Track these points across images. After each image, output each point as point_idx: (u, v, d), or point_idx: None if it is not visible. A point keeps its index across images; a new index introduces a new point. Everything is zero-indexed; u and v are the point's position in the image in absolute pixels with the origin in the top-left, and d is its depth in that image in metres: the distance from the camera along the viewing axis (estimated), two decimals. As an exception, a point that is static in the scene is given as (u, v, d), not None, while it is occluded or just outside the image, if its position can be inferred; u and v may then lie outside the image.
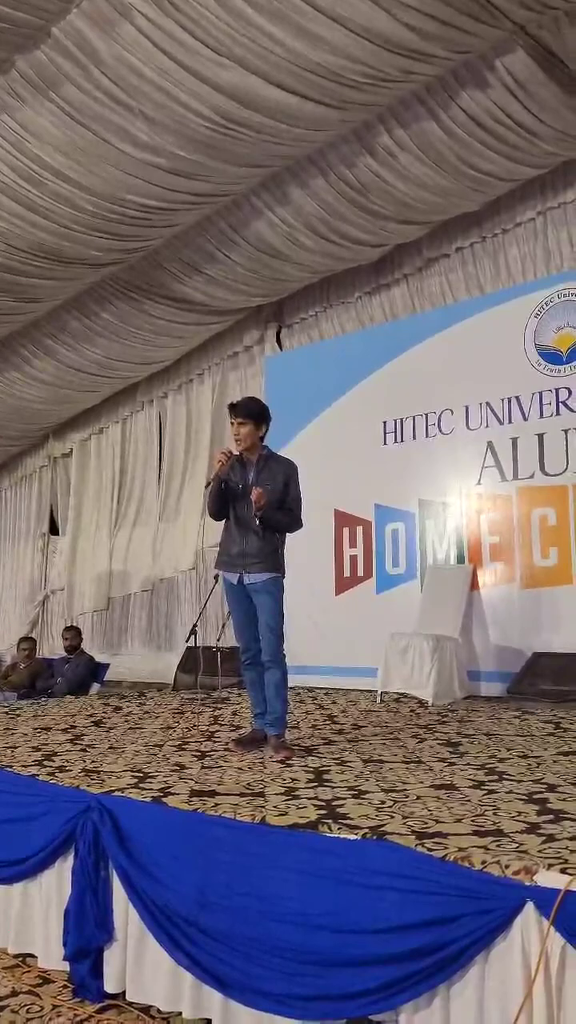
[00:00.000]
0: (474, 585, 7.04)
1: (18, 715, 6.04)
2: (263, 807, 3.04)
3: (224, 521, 4.54)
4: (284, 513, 4.41)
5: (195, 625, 7.44)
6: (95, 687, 8.07)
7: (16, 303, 8.69)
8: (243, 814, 2.96)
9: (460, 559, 7.33)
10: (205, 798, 3.20)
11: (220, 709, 6.31)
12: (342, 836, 2.70)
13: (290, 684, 7.80)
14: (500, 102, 6.54)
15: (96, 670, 8.24)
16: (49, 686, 8.01)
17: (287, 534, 4.55)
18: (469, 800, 3.14)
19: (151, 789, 3.37)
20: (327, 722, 5.48)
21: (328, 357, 8.73)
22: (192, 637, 7.54)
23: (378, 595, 7.78)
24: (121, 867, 3.15)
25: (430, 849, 2.51)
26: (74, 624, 9.51)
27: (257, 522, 4.31)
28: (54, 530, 12.25)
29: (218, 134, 6.49)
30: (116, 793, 3.33)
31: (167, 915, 2.99)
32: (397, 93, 6.50)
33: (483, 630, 6.99)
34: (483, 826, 2.75)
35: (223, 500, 4.45)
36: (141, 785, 3.46)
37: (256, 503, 4.24)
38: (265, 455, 4.51)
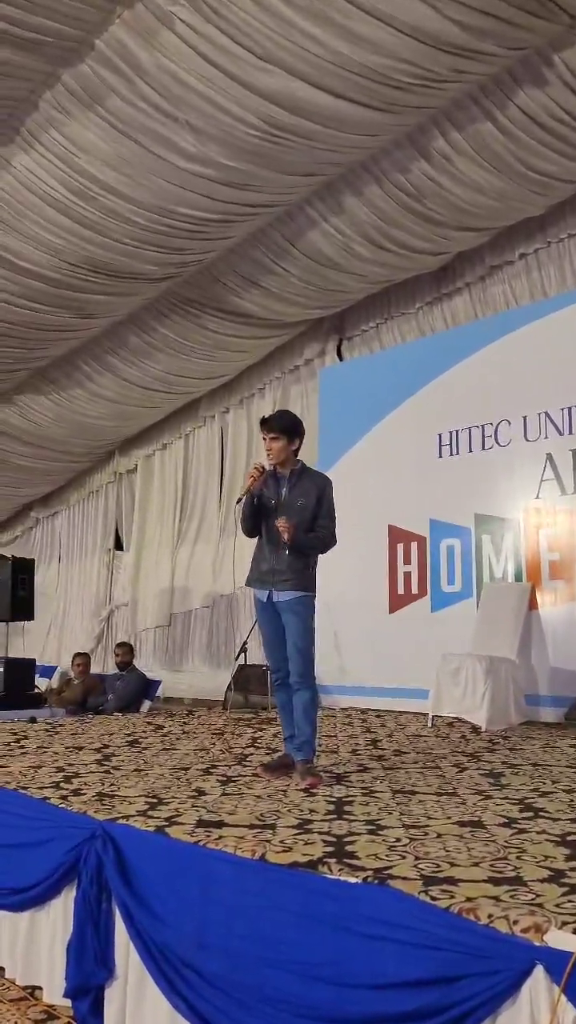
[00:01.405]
0: (532, 604, 6.70)
1: (57, 733, 5.96)
2: (268, 841, 2.84)
3: (256, 537, 4.38)
4: (315, 537, 4.22)
5: (245, 643, 7.29)
6: (146, 704, 7.96)
7: (74, 319, 8.75)
8: (244, 848, 2.76)
9: (518, 576, 6.99)
10: (211, 829, 3.01)
11: (263, 730, 6.12)
12: (342, 878, 2.48)
13: (342, 705, 7.70)
14: (559, 99, 6.27)
15: (147, 687, 8.14)
16: (100, 703, 7.94)
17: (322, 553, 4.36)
18: (494, 840, 2.87)
19: (158, 817, 3.20)
20: (369, 747, 5.24)
21: (382, 368, 8.51)
22: (242, 655, 7.39)
23: (433, 613, 7.50)
24: (122, 900, 2.98)
25: (434, 898, 2.26)
26: (129, 640, 9.45)
27: (287, 551, 4.14)
28: (119, 546, 12.29)
29: (265, 142, 6.38)
30: (121, 821, 3.17)
31: (165, 954, 2.81)
32: (450, 94, 6.29)
33: (542, 652, 6.64)
34: (501, 872, 2.49)
35: (256, 516, 4.29)
36: (150, 812, 3.29)
37: (286, 533, 4.06)
38: (298, 470, 4.34)
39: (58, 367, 9.97)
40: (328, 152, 6.66)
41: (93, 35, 5.76)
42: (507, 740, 5.55)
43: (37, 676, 9.20)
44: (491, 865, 2.56)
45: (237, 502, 4.28)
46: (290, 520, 4.11)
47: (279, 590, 4.19)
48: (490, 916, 2.13)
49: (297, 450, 4.35)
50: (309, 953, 2.45)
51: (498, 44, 5.76)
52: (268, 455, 4.29)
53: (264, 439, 4.31)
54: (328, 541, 4.28)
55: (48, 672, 10.64)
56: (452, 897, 2.26)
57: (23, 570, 8.90)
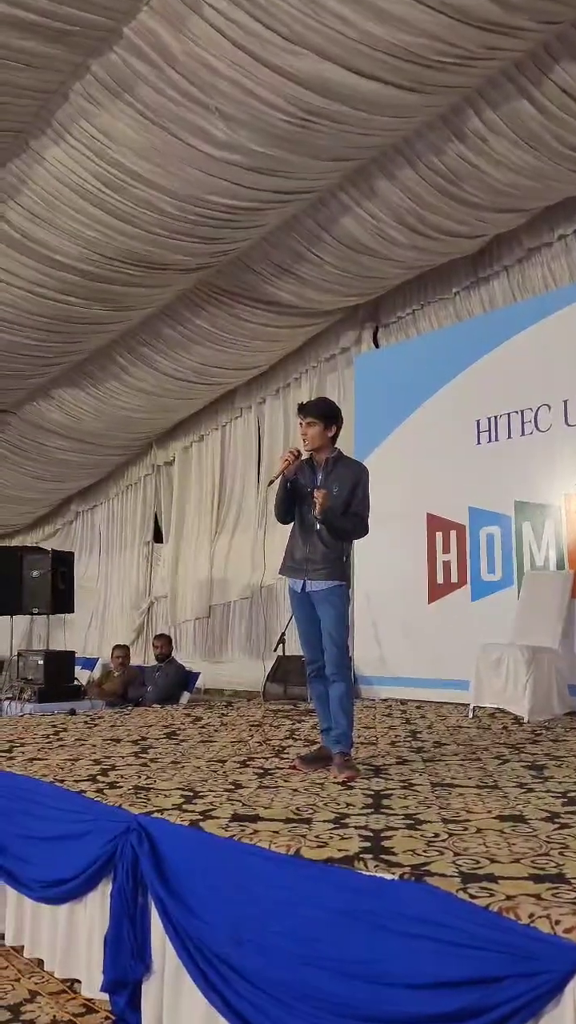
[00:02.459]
0: (575, 592, 6.55)
1: (96, 725, 5.97)
2: (303, 836, 2.79)
3: (291, 525, 4.34)
4: (348, 518, 4.16)
5: (283, 633, 7.24)
6: (185, 696, 7.96)
7: (110, 312, 8.75)
8: (279, 844, 2.71)
9: (560, 564, 6.84)
10: (245, 823, 2.97)
11: (301, 722, 6.07)
12: (378, 875, 2.42)
13: (382, 695, 7.62)
14: (597, 74, 6.08)
15: (186, 679, 8.14)
16: (140, 695, 7.96)
17: (356, 540, 4.31)
18: (536, 835, 2.79)
19: (193, 811, 3.17)
20: (408, 739, 5.16)
21: (419, 354, 8.38)
22: (281, 646, 7.35)
23: (473, 603, 7.38)
24: (157, 895, 2.96)
25: (473, 895, 2.20)
26: (168, 632, 9.45)
27: (318, 525, 4.08)
28: (158, 538, 12.32)
29: (297, 127, 6.29)
30: (156, 814, 3.14)
31: (201, 950, 2.78)
32: (483, 72, 6.13)
33: (586, 641, 6.50)
34: (543, 868, 2.41)
35: (290, 502, 4.25)
36: (185, 806, 3.27)
37: (319, 504, 4.00)
38: (334, 458, 4.28)
39: (94, 361, 10.00)
40: (360, 135, 6.55)
41: (122, 23, 5.71)
42: (550, 731, 5.45)
43: (79, 668, 9.26)
44: (532, 862, 2.49)
45: (268, 484, 4.23)
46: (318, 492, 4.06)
47: (313, 579, 4.14)
48: (531, 915, 2.06)
49: (335, 437, 4.29)
50: (346, 951, 2.40)
51: (532, 18, 5.60)
52: (304, 441, 4.24)
53: (300, 425, 4.26)
54: (358, 527, 4.21)
55: (90, 664, 10.71)
56: (492, 895, 2.19)
57: (62, 563, 8.95)
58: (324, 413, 4.21)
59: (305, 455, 4.31)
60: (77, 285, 8.02)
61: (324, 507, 4.03)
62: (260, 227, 7.72)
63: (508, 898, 2.17)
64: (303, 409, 4.25)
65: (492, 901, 2.15)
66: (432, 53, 5.71)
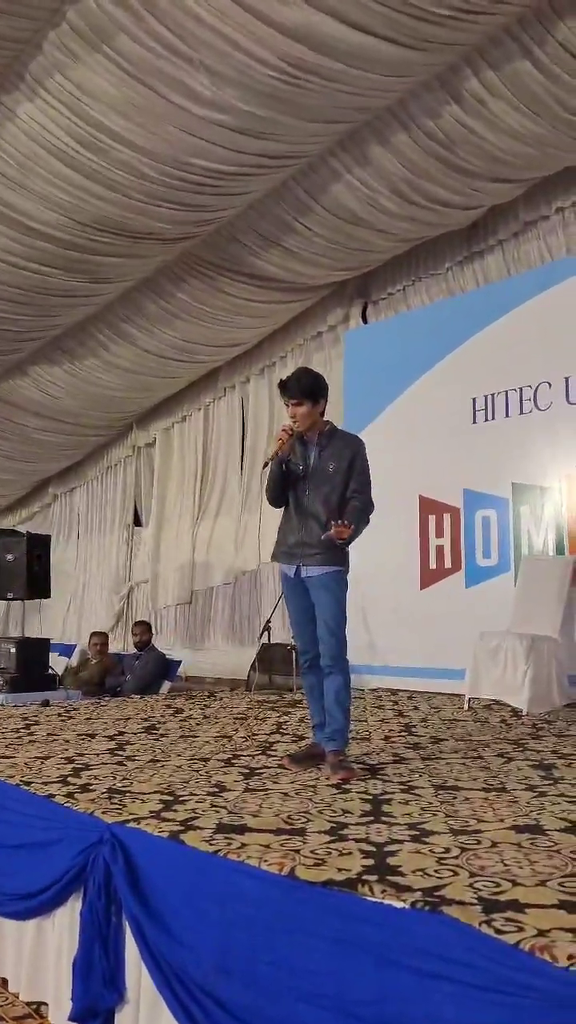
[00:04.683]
0: (575, 579, 6.27)
1: (71, 717, 5.64)
2: (298, 851, 2.47)
3: (283, 508, 4.02)
4: (357, 512, 3.83)
5: (268, 621, 6.94)
6: (166, 685, 7.64)
7: (87, 284, 8.35)
8: (271, 860, 2.39)
9: (560, 549, 6.56)
10: (232, 835, 2.64)
11: (288, 714, 5.77)
12: (386, 902, 2.10)
13: (372, 685, 7.33)
14: (605, 31, 5.76)
15: (167, 667, 7.81)
16: (118, 684, 7.63)
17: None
18: (559, 850, 2.49)
19: (173, 819, 2.84)
20: (403, 733, 4.86)
21: (412, 330, 8.04)
22: (266, 634, 7.04)
23: (468, 589, 7.08)
24: (133, 915, 2.64)
25: (499, 930, 1.88)
26: (149, 619, 9.12)
27: (317, 507, 3.83)
28: (138, 521, 11.97)
29: (286, 84, 5.93)
30: (131, 823, 2.82)
31: (182, 980, 2.46)
32: (484, 28, 5.80)
33: (586, 629, 6.22)
34: (574, 894, 2.11)
35: (284, 484, 3.93)
36: (164, 813, 2.94)
37: (340, 536, 3.71)
38: (328, 431, 3.97)
39: (72, 336, 9.58)
40: (353, 96, 6.19)
41: (99, -34, 5.33)
42: (551, 724, 5.17)
43: (56, 655, 8.91)
44: (560, 884, 2.18)
45: (264, 467, 3.91)
46: (322, 487, 3.81)
47: (308, 565, 3.83)
48: (570, 957, 1.75)
49: (323, 411, 3.96)
50: (349, 988, 2.08)
51: (539, -31, 5.28)
52: (293, 421, 3.91)
53: (287, 406, 3.93)
54: (368, 509, 3.92)
55: (68, 651, 10.35)
56: (521, 929, 1.88)
57: (38, 546, 8.57)
58: (309, 390, 3.87)
59: (297, 430, 3.99)
60: (51, 254, 7.61)
61: (346, 536, 3.73)
62: (246, 194, 7.36)
63: (540, 933, 1.86)
64: (285, 390, 3.90)
65: (523, 938, 1.84)
66: (432, 5, 5.40)
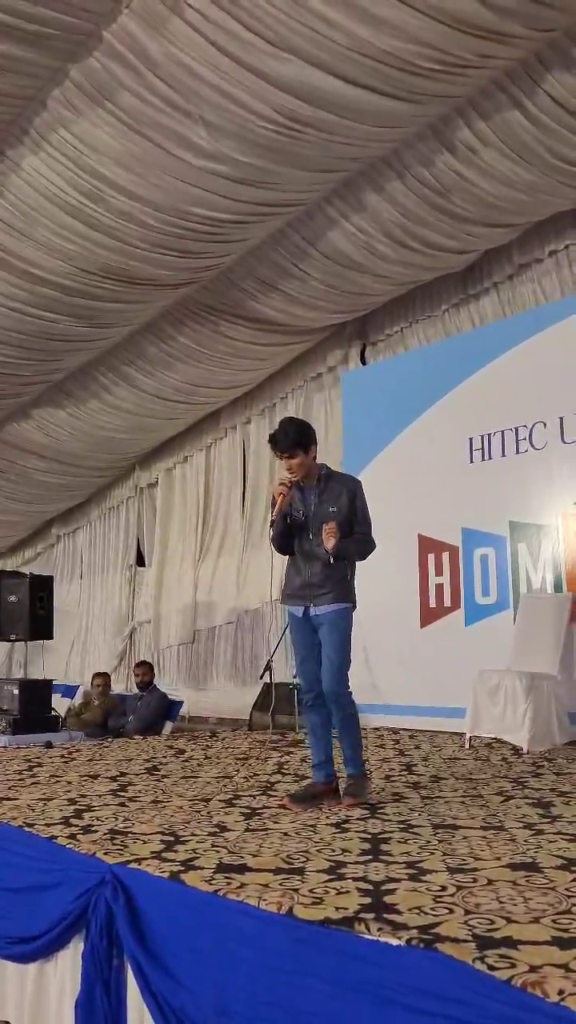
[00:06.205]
0: (574, 616, 6.31)
1: (73, 759, 5.66)
2: (296, 891, 2.51)
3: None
4: (356, 541, 4.00)
5: (270, 660, 6.96)
6: (168, 726, 7.64)
7: (90, 329, 8.50)
8: (270, 900, 2.43)
9: (558, 587, 6.61)
10: (232, 875, 2.68)
11: (290, 754, 5.78)
12: (382, 939, 2.14)
13: (374, 724, 7.33)
14: (591, 84, 5.92)
15: (169, 708, 7.82)
16: (121, 724, 7.64)
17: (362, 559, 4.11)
18: (553, 887, 2.52)
19: (174, 859, 2.87)
20: (403, 772, 4.88)
21: (409, 371, 8.16)
22: (268, 673, 7.07)
23: (467, 627, 7.11)
24: (134, 956, 2.66)
25: (492, 967, 1.92)
26: (151, 659, 9.15)
27: (332, 560, 3.92)
28: (141, 561, 12.02)
29: (282, 136, 6.10)
30: (133, 864, 2.85)
31: (182, 1021, 2.48)
32: (474, 81, 5.96)
33: (586, 667, 6.25)
34: (567, 930, 2.14)
35: (289, 534, 4.03)
36: (166, 853, 2.97)
37: (331, 539, 3.86)
38: (324, 475, 4.07)
39: (75, 379, 9.73)
40: (347, 146, 6.36)
41: (101, 26, 5.51)
42: (552, 763, 5.18)
43: (59, 696, 8.92)
44: (554, 921, 2.22)
45: (271, 525, 4.02)
46: (325, 530, 3.89)
47: (317, 604, 3.95)
48: (560, 992, 1.79)
49: (315, 455, 4.06)
50: (346, 1028, 2.11)
51: (525, 25, 5.43)
52: (290, 474, 4.00)
53: (280, 459, 4.03)
54: (368, 545, 4.07)
55: (71, 692, 10.35)
56: (513, 966, 1.92)
57: (41, 588, 8.62)
58: (298, 442, 3.97)
59: (294, 480, 4.08)
60: (55, 300, 7.77)
61: (335, 536, 3.86)
62: (244, 241, 7.52)
63: (532, 969, 1.89)
64: (276, 445, 4.00)
65: (515, 974, 1.88)
66: (422, 60, 5.54)
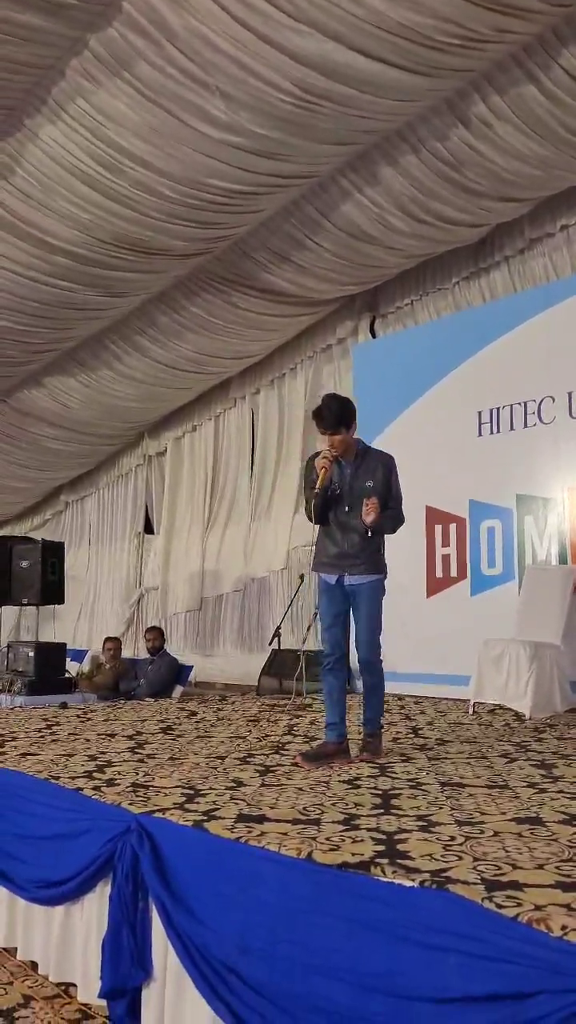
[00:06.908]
0: (578, 587, 6.46)
1: (89, 719, 5.83)
2: (314, 839, 2.67)
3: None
4: (389, 517, 4.20)
5: (278, 627, 7.12)
6: (178, 690, 7.83)
7: (104, 298, 8.58)
8: (289, 846, 2.58)
9: (562, 559, 6.74)
10: (252, 824, 2.84)
11: (299, 717, 5.95)
12: (396, 881, 2.29)
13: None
14: (607, 59, 5.95)
15: (179, 672, 7.99)
16: (132, 688, 7.82)
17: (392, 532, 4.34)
18: (556, 839, 2.68)
19: (195, 811, 3.03)
20: (410, 735, 5.05)
21: (419, 344, 8.24)
22: (276, 640, 7.23)
23: (473, 597, 7.27)
24: (159, 899, 2.83)
25: (500, 905, 2.07)
26: (159, 625, 9.31)
27: (369, 533, 4.10)
28: (149, 529, 12.16)
29: (299, 109, 6.14)
30: (157, 814, 3.01)
31: (206, 957, 2.65)
32: (491, 55, 5.99)
33: (588, 637, 6.40)
34: (569, 876, 2.30)
35: (327, 506, 4.17)
36: (187, 805, 3.13)
37: (372, 514, 4.03)
38: (361, 451, 4.24)
39: (87, 348, 9.82)
40: (363, 119, 6.40)
41: (121, -3, 5.55)
42: (553, 728, 5.35)
43: (68, 660, 9.10)
44: (557, 868, 2.37)
45: (314, 496, 4.13)
46: (360, 503, 4.06)
47: (352, 573, 4.13)
48: (564, 928, 1.94)
49: (355, 431, 4.21)
50: (363, 962, 2.27)
51: None
52: (331, 449, 4.14)
53: (323, 434, 4.14)
54: (399, 520, 4.26)
55: (79, 656, 10.54)
56: (519, 905, 2.07)
57: (53, 554, 8.76)
58: (342, 419, 4.11)
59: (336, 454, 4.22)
60: (70, 269, 7.85)
61: (376, 511, 4.02)
62: (259, 212, 7.57)
63: (537, 908, 2.05)
64: (322, 422, 4.12)
65: (521, 911, 2.03)
66: (440, 34, 5.57)
